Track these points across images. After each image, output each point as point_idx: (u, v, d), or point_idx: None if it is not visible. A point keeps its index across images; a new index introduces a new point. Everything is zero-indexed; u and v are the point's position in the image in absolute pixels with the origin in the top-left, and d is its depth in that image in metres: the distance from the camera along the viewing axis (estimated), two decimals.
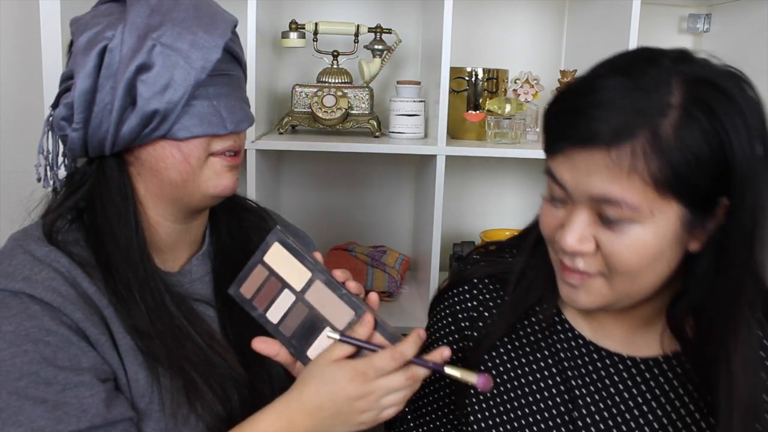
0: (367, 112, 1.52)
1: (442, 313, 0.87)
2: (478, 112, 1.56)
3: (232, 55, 0.77)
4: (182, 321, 0.76)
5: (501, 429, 0.79)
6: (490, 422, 0.80)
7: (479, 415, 0.81)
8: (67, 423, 0.64)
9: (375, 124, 1.51)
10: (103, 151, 0.73)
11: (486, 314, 0.84)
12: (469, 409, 0.82)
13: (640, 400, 0.76)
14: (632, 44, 1.40)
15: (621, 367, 0.77)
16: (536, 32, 1.75)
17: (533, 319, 0.81)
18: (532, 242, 0.81)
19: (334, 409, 0.67)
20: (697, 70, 0.64)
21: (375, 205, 1.78)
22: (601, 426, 0.76)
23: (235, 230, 0.88)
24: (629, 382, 0.77)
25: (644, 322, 0.77)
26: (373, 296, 0.73)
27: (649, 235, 0.64)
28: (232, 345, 0.81)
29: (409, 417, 0.90)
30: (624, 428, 0.75)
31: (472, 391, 0.82)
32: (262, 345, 0.72)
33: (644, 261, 0.65)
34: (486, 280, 0.86)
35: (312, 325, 0.72)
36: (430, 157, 1.43)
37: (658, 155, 0.61)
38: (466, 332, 0.85)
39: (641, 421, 0.75)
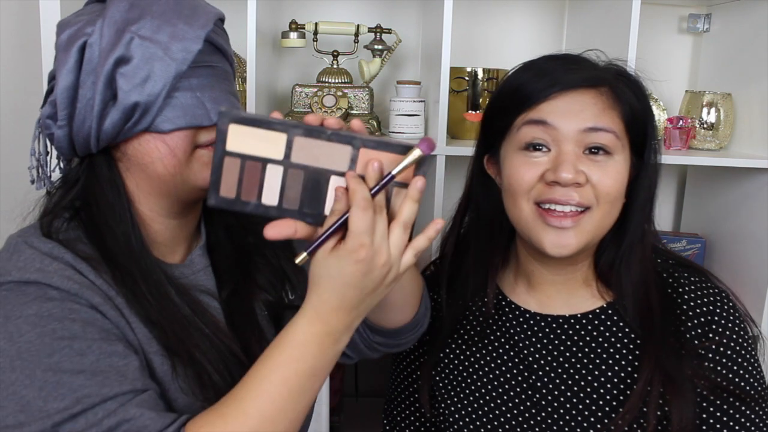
0: (367, 112, 1.52)
1: None
2: (478, 112, 1.56)
3: (216, 47, 0.76)
4: (187, 311, 0.75)
5: (470, 408, 0.88)
6: (459, 405, 0.89)
7: (448, 401, 0.90)
8: (110, 387, 0.63)
9: (375, 124, 1.51)
10: (90, 148, 0.73)
11: (437, 315, 0.95)
12: (439, 398, 0.91)
13: (586, 350, 0.85)
14: (632, 44, 1.40)
15: (566, 326, 0.86)
16: (536, 32, 1.75)
17: (482, 308, 0.91)
18: (452, 248, 0.94)
19: (359, 293, 0.64)
20: (609, 62, 0.86)
21: None
22: (557, 381, 0.85)
23: (230, 223, 0.88)
24: (575, 337, 0.86)
25: (582, 282, 0.88)
26: (356, 122, 0.68)
27: (622, 166, 0.81)
28: (237, 337, 0.80)
29: (383, 415, 1.02)
30: (577, 377, 0.84)
31: (437, 378, 0.91)
32: (275, 230, 0.65)
33: (621, 189, 0.81)
34: (436, 288, 0.96)
35: (315, 183, 0.65)
36: (430, 157, 1.43)
37: (620, 100, 0.81)
38: (425, 337, 0.93)
39: (591, 367, 0.84)
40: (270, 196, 0.66)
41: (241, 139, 0.65)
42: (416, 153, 0.64)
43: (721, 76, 1.68)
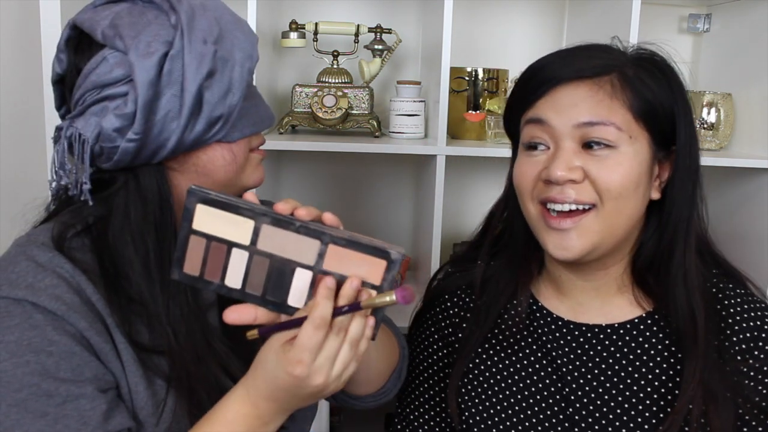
0: (367, 112, 1.52)
1: (426, 324, 0.94)
2: (478, 112, 1.56)
3: None
4: (201, 340, 0.74)
5: (497, 419, 0.83)
6: (485, 414, 0.84)
7: (473, 410, 0.85)
8: None
9: (375, 124, 1.51)
10: (154, 159, 0.71)
11: (467, 317, 0.90)
12: (462, 406, 0.86)
13: (624, 362, 0.80)
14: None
15: (602, 336, 0.82)
16: (536, 32, 1.75)
17: (512, 312, 0.85)
18: (487, 250, 0.90)
19: (288, 394, 0.64)
20: (636, 48, 0.81)
21: (375, 205, 1.78)
22: (592, 395, 0.80)
23: None
24: (612, 348, 0.81)
25: (617, 289, 0.83)
26: (328, 216, 0.66)
27: (630, 158, 0.75)
28: (235, 349, 0.80)
29: (396, 421, 0.95)
30: (614, 392, 0.79)
31: (464, 390, 0.87)
32: (235, 315, 0.64)
33: (629, 184, 0.74)
34: (464, 287, 0.92)
35: (280, 272, 0.64)
36: (430, 157, 1.43)
37: (630, 88, 0.75)
38: (450, 338, 0.91)
39: (629, 381, 0.79)
40: (234, 279, 0.65)
41: (207, 220, 0.64)
42: (390, 298, 0.61)
43: (721, 76, 1.68)
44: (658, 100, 0.76)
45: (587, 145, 0.75)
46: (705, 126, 1.60)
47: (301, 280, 0.64)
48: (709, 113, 1.60)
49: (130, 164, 0.71)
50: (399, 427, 0.95)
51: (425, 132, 1.54)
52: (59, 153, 0.71)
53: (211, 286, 0.66)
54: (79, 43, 0.71)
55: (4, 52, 1.46)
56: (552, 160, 0.75)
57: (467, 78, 1.56)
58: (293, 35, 1.52)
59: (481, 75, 1.57)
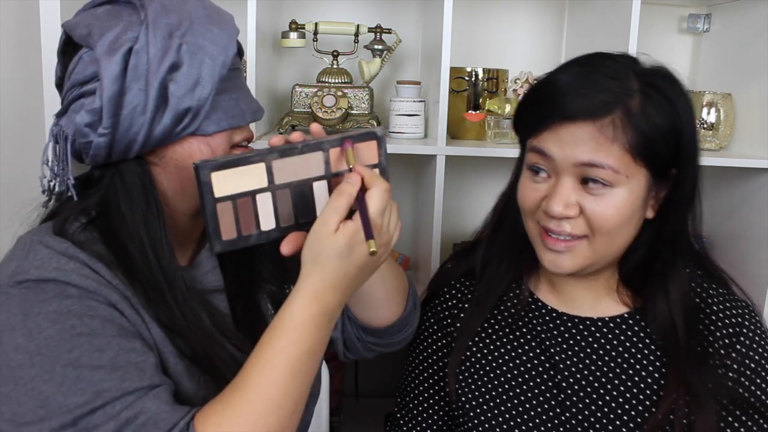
0: (367, 112, 1.52)
1: (426, 315, 0.99)
2: (478, 112, 1.56)
3: (239, 51, 0.79)
4: (207, 323, 0.76)
5: (491, 404, 0.88)
6: (480, 399, 0.89)
7: (470, 395, 0.90)
8: (130, 381, 0.64)
9: (375, 124, 1.51)
10: (129, 154, 0.72)
11: (466, 307, 0.95)
12: (459, 390, 0.91)
13: (614, 354, 0.86)
14: (632, 44, 1.40)
15: (593, 328, 0.88)
16: (536, 32, 1.75)
17: (509, 304, 0.92)
18: (489, 236, 0.95)
19: (359, 270, 0.69)
20: (644, 64, 0.81)
21: None
22: (583, 383, 0.85)
23: None
24: (602, 340, 0.87)
25: (608, 288, 0.88)
26: (314, 127, 0.75)
27: (625, 197, 0.77)
28: (245, 334, 0.81)
29: (396, 410, 0.99)
30: (603, 380, 0.84)
31: (461, 377, 0.91)
32: (288, 246, 0.70)
33: (622, 220, 0.78)
34: (462, 279, 0.97)
35: (302, 194, 0.71)
36: (430, 157, 1.43)
37: (632, 127, 0.75)
38: (449, 329, 0.96)
39: (617, 371, 0.84)
40: (267, 222, 0.71)
41: (225, 183, 0.68)
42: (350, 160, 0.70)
43: (721, 76, 1.68)
44: (660, 132, 0.76)
45: (585, 181, 0.78)
46: (705, 126, 1.60)
47: (320, 191, 0.71)
48: (708, 113, 1.60)
49: (106, 160, 0.73)
50: (399, 415, 0.97)
51: (425, 132, 1.54)
52: (47, 150, 0.75)
53: (250, 239, 0.71)
54: (66, 46, 0.74)
55: (4, 52, 1.46)
56: (551, 195, 0.79)
57: (467, 78, 1.56)
58: (293, 35, 1.52)
59: (481, 75, 1.57)
